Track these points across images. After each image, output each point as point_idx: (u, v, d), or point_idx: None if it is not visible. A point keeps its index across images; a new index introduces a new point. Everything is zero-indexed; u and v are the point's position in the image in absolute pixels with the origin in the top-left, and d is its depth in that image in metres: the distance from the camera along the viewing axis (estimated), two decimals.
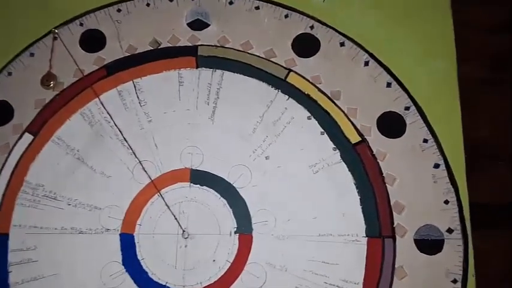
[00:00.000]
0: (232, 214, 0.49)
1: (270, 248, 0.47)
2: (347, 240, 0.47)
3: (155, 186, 0.50)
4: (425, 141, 0.50)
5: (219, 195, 0.50)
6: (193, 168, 0.50)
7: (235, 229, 0.48)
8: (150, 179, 0.50)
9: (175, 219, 0.49)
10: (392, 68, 0.53)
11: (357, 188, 0.49)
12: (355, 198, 0.49)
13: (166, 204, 0.49)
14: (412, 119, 0.51)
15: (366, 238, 0.47)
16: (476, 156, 0.49)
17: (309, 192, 0.49)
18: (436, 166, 0.49)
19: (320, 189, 0.49)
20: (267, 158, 0.51)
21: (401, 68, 0.52)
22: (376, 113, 0.51)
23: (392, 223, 0.47)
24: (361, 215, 0.48)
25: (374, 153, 0.50)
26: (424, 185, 0.48)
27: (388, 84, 0.52)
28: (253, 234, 0.48)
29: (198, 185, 0.50)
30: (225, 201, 0.50)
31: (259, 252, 0.47)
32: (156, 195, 0.50)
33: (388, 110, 0.51)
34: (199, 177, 0.50)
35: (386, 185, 0.49)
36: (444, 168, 0.49)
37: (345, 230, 0.47)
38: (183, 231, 0.48)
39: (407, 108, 0.51)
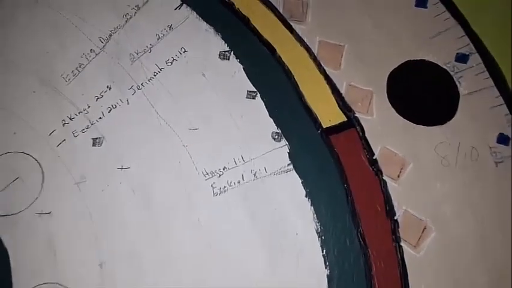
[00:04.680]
0: None
1: None
2: None
3: None
4: (502, 140, 0.30)
5: None
6: None
7: None
8: None
9: None
10: None
11: (321, 245, 0.27)
12: (318, 267, 0.27)
13: None
14: (471, 84, 0.31)
15: None
16: None
17: (198, 245, 0.29)
18: None
19: (226, 239, 0.29)
20: (96, 141, 0.29)
21: None
22: (389, 62, 0.32)
23: None
24: None
25: (375, 157, 0.29)
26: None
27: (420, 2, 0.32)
28: None
29: None
30: None
31: None
32: None
33: (419, 59, 0.31)
34: None
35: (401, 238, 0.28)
36: None
37: None
38: None
39: (461, 58, 0.31)
